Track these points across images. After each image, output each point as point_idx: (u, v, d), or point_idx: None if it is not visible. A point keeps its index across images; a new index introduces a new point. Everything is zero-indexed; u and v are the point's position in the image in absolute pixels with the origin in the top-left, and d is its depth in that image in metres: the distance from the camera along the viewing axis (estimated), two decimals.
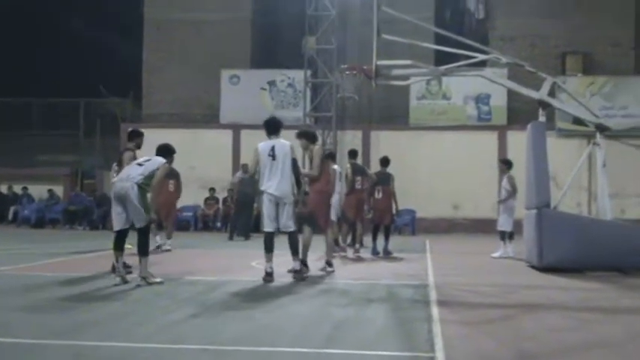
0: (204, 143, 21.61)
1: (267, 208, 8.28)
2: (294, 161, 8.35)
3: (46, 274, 8.97)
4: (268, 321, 5.74)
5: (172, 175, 11.93)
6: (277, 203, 8.24)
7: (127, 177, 7.86)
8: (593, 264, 9.59)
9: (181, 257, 11.67)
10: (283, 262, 8.60)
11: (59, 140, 24.53)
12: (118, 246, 7.94)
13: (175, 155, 8.71)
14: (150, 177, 7.85)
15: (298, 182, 8.50)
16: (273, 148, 8.23)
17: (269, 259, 8.18)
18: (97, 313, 6.06)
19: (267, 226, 8.30)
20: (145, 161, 8.02)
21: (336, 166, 10.98)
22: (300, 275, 8.28)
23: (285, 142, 8.42)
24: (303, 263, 8.63)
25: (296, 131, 9.38)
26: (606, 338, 5.24)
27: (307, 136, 9.18)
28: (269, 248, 8.19)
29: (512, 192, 12.07)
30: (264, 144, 8.34)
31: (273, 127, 8.51)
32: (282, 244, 8.49)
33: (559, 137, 19.71)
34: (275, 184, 8.17)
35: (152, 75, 23.27)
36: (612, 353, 4.74)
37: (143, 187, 7.81)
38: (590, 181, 18.66)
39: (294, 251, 8.33)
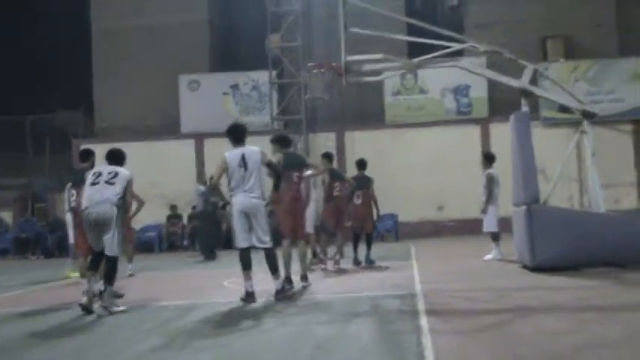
0: (164, 156, 21.52)
1: (239, 222, 8.09)
2: (269, 163, 8.29)
3: None
4: (243, 346, 5.69)
5: None
6: (248, 215, 8.10)
7: (103, 199, 7.69)
8: (589, 260, 9.66)
9: (146, 281, 11.54)
10: (260, 280, 8.53)
11: (4, 162, 24.16)
12: (93, 266, 7.87)
13: (134, 171, 8.62)
14: (124, 196, 7.79)
15: (277, 184, 8.43)
16: (243, 157, 8.08)
17: (248, 277, 8.02)
18: (54, 350, 5.95)
19: (242, 242, 8.10)
20: (112, 178, 7.82)
21: (309, 172, 10.96)
22: (284, 295, 8.11)
23: (254, 148, 8.28)
24: (287, 279, 8.62)
25: (269, 137, 9.62)
26: (605, 339, 5.29)
27: (280, 142, 9.35)
28: (246, 265, 8.05)
29: (489, 192, 12.14)
30: (232, 153, 8.17)
31: (238, 134, 8.34)
32: (259, 260, 8.41)
33: (545, 127, 20.03)
34: (246, 195, 8.05)
35: (104, 85, 23.09)
36: (611, 354, 4.79)
37: (121, 208, 7.75)
38: (580, 172, 18.91)
39: (274, 269, 8.15)
